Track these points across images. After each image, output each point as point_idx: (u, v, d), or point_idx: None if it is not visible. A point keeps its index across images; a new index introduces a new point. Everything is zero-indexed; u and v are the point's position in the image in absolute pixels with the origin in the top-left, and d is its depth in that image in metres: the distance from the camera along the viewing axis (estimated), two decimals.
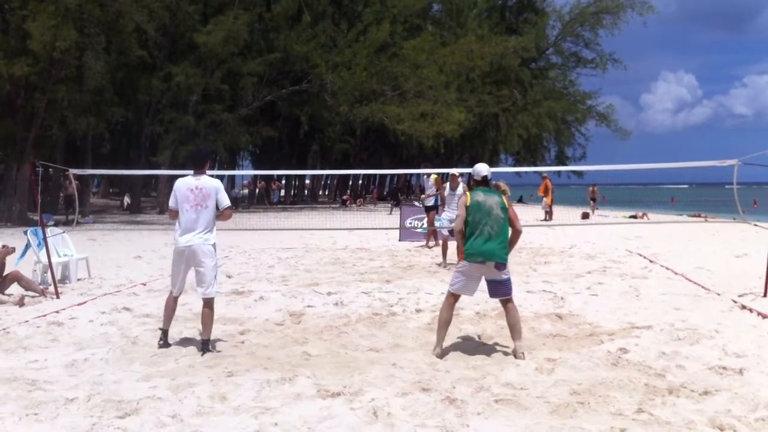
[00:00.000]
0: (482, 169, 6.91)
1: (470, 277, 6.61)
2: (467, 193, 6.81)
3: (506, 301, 6.68)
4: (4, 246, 9.86)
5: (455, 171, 14.00)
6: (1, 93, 24.22)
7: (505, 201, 6.63)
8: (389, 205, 40.22)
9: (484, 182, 6.82)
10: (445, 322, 6.71)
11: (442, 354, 6.54)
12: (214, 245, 6.92)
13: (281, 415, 4.96)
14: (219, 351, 6.89)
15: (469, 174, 7.37)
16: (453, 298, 6.78)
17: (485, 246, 6.44)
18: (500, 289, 6.65)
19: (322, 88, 38.40)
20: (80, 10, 24.26)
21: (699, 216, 31.25)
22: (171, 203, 7.01)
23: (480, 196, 6.63)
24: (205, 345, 6.82)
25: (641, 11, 51.13)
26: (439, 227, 14.86)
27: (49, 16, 22.66)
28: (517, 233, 6.71)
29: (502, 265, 6.51)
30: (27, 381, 5.75)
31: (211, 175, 7.18)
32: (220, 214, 6.95)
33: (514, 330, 6.59)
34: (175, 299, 7.15)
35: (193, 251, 6.82)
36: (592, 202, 35.14)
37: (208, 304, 6.91)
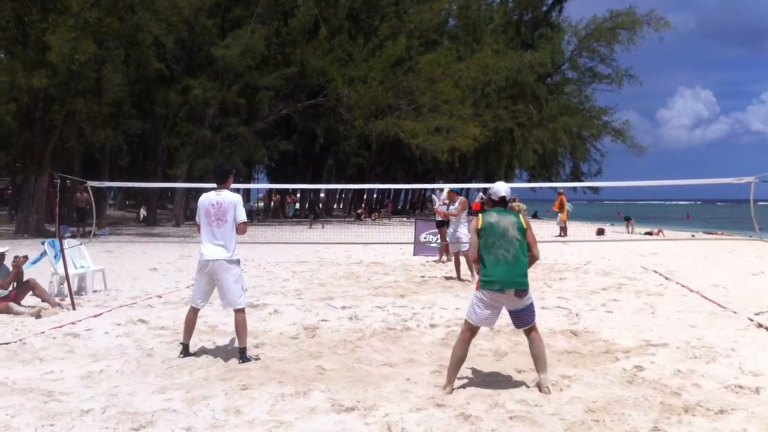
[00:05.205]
0: (501, 188, 6.14)
1: (490, 308, 5.88)
2: (479, 216, 6.07)
3: (530, 330, 6.00)
4: (16, 257, 9.93)
5: (446, 186, 14.62)
6: (20, 105, 24.49)
7: (522, 221, 5.97)
8: (310, 219, 37.07)
9: (502, 203, 6.11)
10: (458, 360, 5.97)
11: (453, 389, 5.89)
12: (236, 259, 7.02)
13: (295, 429, 4.98)
14: (258, 359, 7.01)
15: (487, 193, 6.52)
16: (470, 332, 6.02)
17: (500, 271, 5.76)
18: (524, 318, 5.94)
19: (338, 102, 38.56)
20: (99, 23, 24.50)
21: (715, 233, 31.02)
22: (196, 217, 7.22)
23: (493, 217, 5.94)
24: (243, 353, 6.95)
25: (657, 27, 50.91)
26: (449, 242, 14.82)
27: (68, 29, 22.90)
28: (533, 258, 6.06)
29: (522, 292, 5.84)
30: (43, 392, 5.79)
31: (232, 189, 7.27)
32: (237, 229, 7.03)
33: (539, 361, 5.95)
34: (195, 312, 7.23)
35: (215, 265, 6.94)
36: (627, 221, 34.66)
37: (239, 314, 7.03)
